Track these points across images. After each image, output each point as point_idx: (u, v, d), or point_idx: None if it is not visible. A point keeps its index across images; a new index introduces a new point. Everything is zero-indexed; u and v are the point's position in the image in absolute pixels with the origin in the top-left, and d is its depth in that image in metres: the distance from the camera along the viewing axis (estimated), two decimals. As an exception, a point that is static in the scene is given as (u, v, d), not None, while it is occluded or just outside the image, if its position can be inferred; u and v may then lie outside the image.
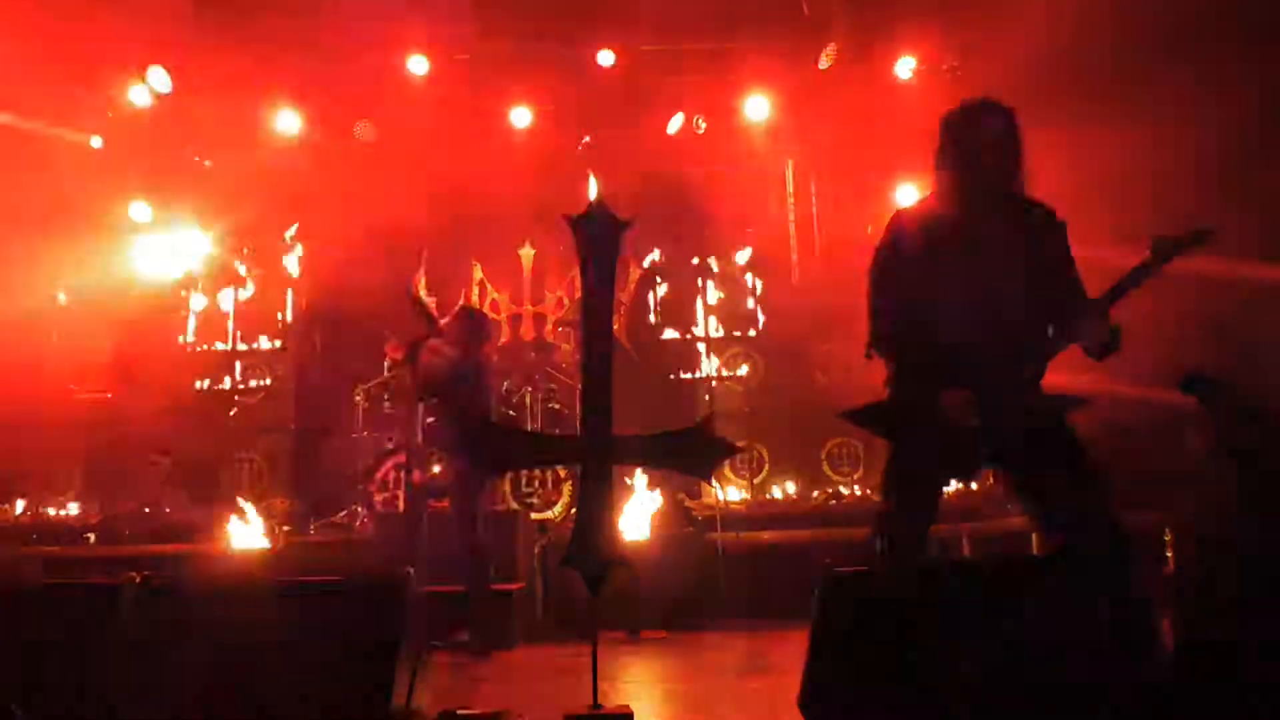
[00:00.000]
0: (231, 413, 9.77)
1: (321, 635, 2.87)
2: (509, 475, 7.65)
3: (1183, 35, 5.92)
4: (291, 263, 10.19)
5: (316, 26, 8.20)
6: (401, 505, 6.51)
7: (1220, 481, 2.68)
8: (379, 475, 8.11)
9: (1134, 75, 6.27)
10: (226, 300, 10.19)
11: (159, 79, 9.10)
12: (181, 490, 9.11)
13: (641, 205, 7.52)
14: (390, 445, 8.35)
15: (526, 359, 8.92)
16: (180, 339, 10.00)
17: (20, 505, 8.82)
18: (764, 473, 9.28)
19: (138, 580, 2.98)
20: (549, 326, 9.62)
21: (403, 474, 6.86)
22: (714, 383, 9.20)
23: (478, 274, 9.88)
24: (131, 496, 8.97)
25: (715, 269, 10.16)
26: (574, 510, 7.04)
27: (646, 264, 9.79)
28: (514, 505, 7.72)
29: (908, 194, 8.62)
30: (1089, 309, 2.88)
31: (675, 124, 9.71)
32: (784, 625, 6.19)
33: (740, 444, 4.23)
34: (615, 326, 8.17)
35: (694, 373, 9.85)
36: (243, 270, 10.16)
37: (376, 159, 9.69)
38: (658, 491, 7.35)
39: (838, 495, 8.63)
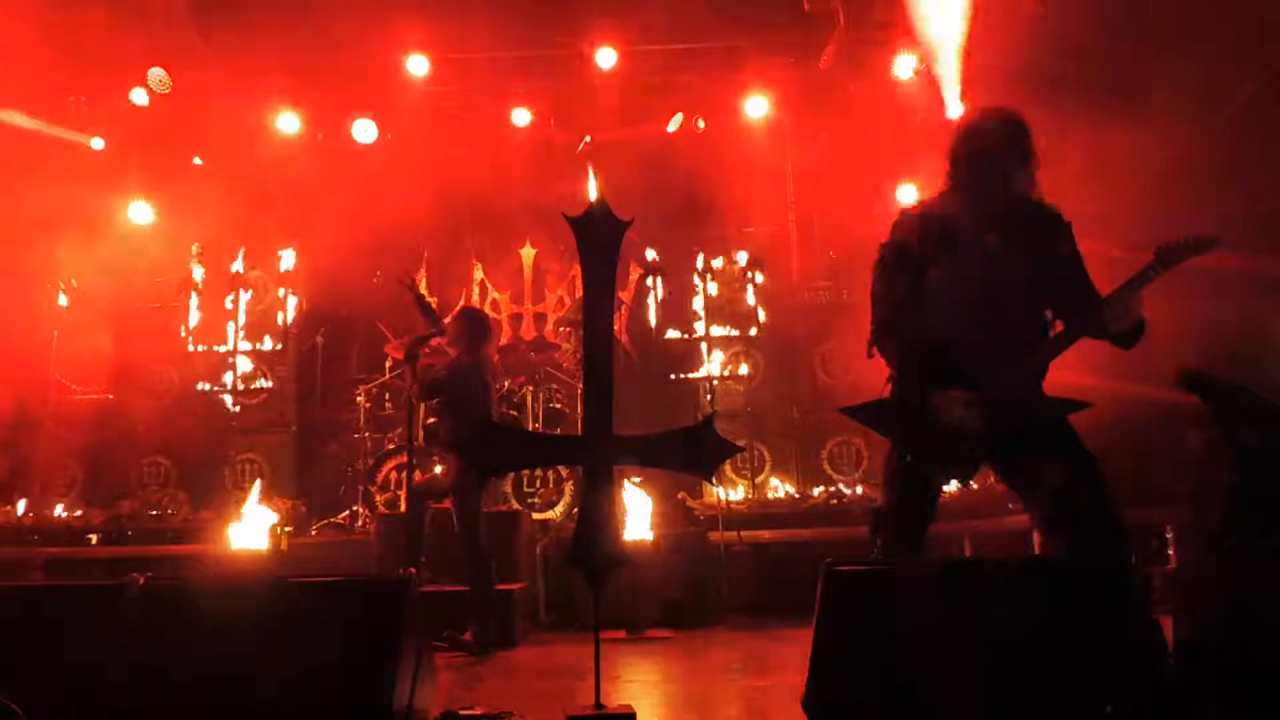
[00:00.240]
0: (231, 412, 9.77)
1: (323, 636, 2.87)
2: (510, 475, 7.66)
3: (1183, 34, 5.92)
4: (292, 263, 10.19)
5: (316, 27, 8.20)
6: (403, 506, 6.51)
7: (1222, 480, 2.68)
8: (380, 476, 8.12)
9: (1136, 72, 6.27)
10: (227, 301, 10.19)
11: (159, 80, 9.11)
12: (183, 491, 9.12)
13: (642, 205, 7.54)
14: (391, 446, 8.36)
15: (527, 359, 8.92)
16: (181, 340, 10.00)
17: (22, 506, 8.82)
18: (765, 472, 9.29)
19: (140, 581, 2.98)
20: (550, 326, 9.63)
21: (404, 474, 6.86)
22: (715, 382, 9.20)
23: (478, 274, 9.89)
24: (133, 498, 8.99)
25: (716, 268, 10.16)
26: (575, 510, 7.09)
27: (647, 263, 9.79)
28: (515, 505, 7.72)
29: (908, 193, 8.63)
30: (1107, 301, 2.89)
31: (675, 123, 9.71)
32: (786, 624, 6.23)
33: (741, 443, 4.22)
34: (616, 326, 8.20)
35: (695, 372, 9.85)
36: (243, 271, 10.16)
37: (377, 159, 9.70)
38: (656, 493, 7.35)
39: (838, 494, 8.63)
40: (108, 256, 9.58)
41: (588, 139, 9.95)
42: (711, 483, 7.77)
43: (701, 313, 10.03)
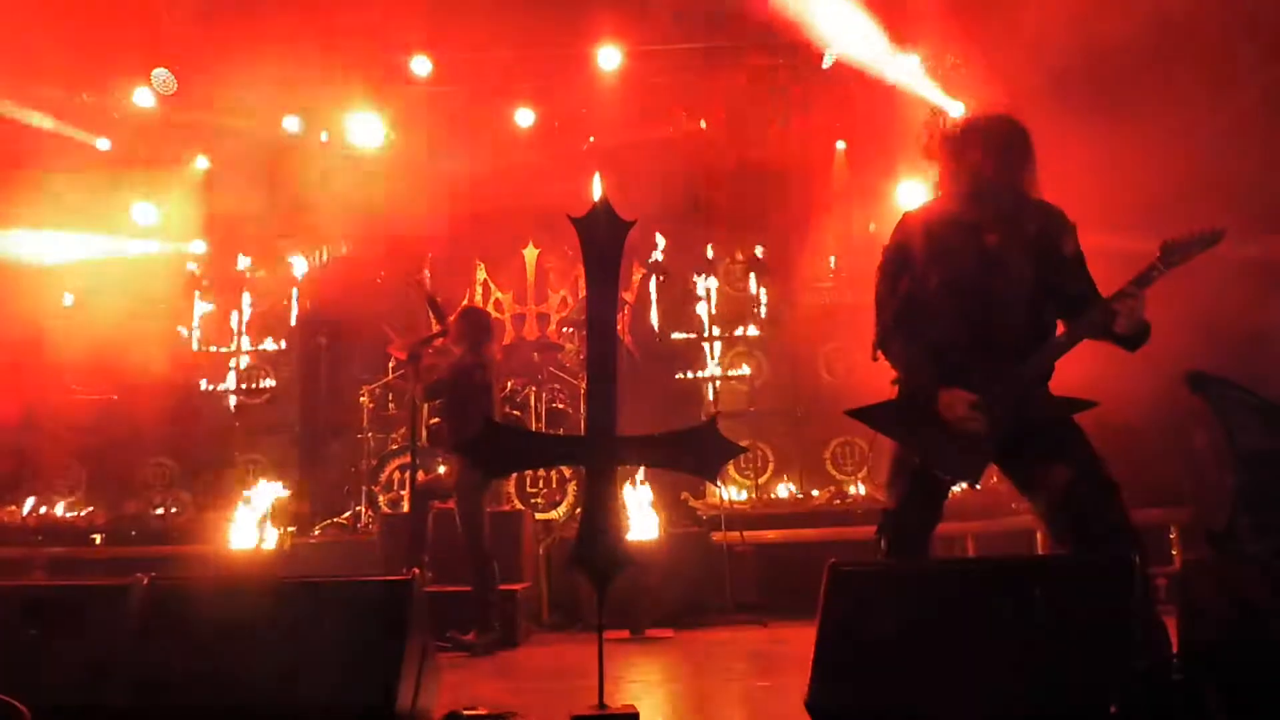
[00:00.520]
0: (235, 412, 9.79)
1: (327, 636, 2.87)
2: (513, 475, 7.66)
3: (1183, 30, 5.90)
4: (296, 264, 10.20)
5: (320, 28, 8.20)
6: (406, 506, 6.51)
7: (1227, 480, 2.68)
8: (383, 476, 8.13)
9: (1139, 69, 6.25)
10: (231, 302, 10.20)
11: (163, 81, 9.12)
12: (186, 491, 9.14)
13: (645, 205, 7.53)
14: (394, 446, 8.37)
15: (530, 359, 8.92)
16: (185, 340, 10.01)
17: (27, 506, 8.84)
18: (768, 472, 9.28)
19: (145, 582, 2.98)
20: (553, 326, 9.63)
21: (407, 475, 6.87)
22: (718, 382, 9.20)
23: (481, 274, 9.89)
24: (137, 498, 9.00)
25: (719, 268, 10.15)
26: (579, 510, 7.09)
27: (650, 263, 9.79)
28: (519, 505, 7.73)
29: (911, 192, 8.61)
30: (1109, 303, 2.88)
31: (678, 123, 9.70)
32: (789, 624, 6.23)
33: (744, 443, 4.22)
34: (619, 326, 8.20)
35: (698, 372, 9.84)
36: (247, 271, 10.17)
37: (381, 159, 9.70)
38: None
39: (842, 494, 8.63)
40: (112, 257, 9.60)
41: (591, 139, 9.95)
42: (714, 483, 7.77)
43: (705, 313, 10.03)
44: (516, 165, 9.49)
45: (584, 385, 6.65)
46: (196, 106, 9.36)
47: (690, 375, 9.85)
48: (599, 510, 3.44)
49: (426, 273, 8.44)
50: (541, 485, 7.93)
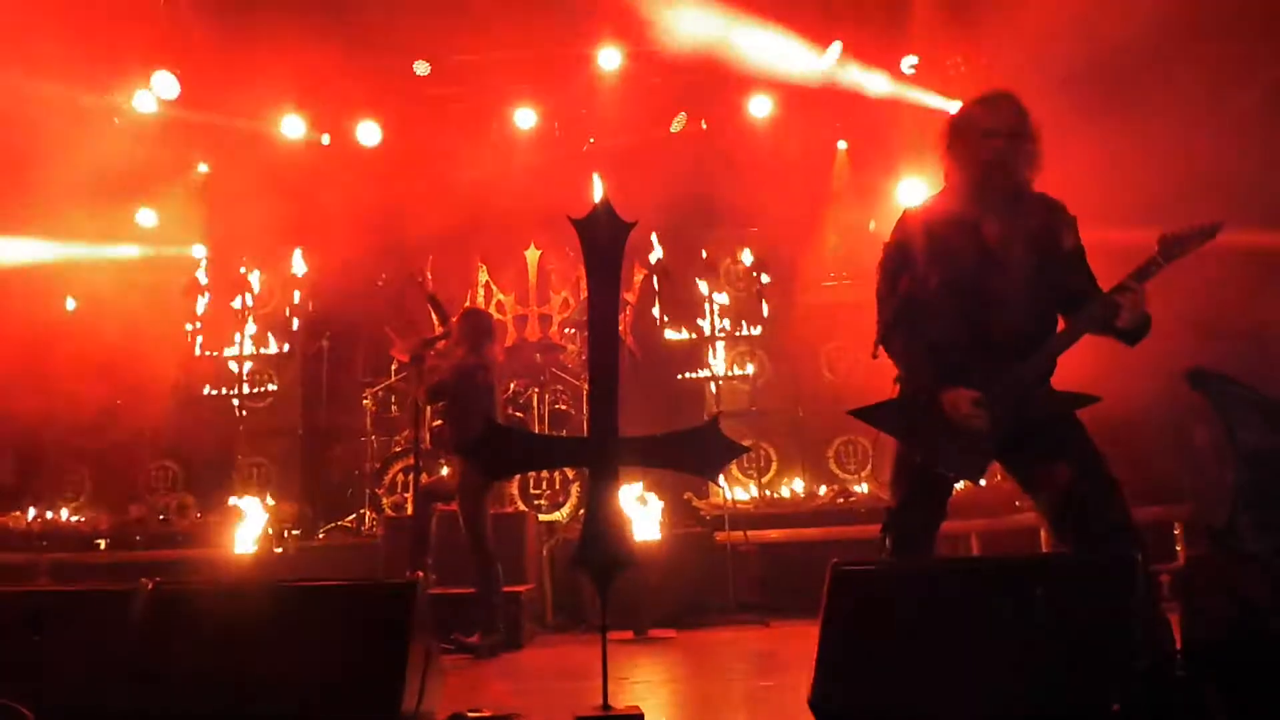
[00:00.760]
0: (238, 416, 9.79)
1: (330, 639, 2.88)
2: (516, 477, 7.66)
3: (1184, 30, 5.90)
4: (298, 266, 10.21)
5: (321, 30, 8.21)
6: (409, 508, 6.52)
7: (1227, 477, 2.67)
8: (386, 478, 8.14)
9: (1141, 68, 6.25)
10: (234, 304, 10.20)
11: (164, 84, 9.13)
12: (190, 495, 9.14)
13: (646, 205, 7.53)
14: (398, 448, 8.37)
15: (532, 360, 8.92)
16: (188, 344, 10.02)
17: (31, 511, 8.86)
18: (771, 472, 9.29)
19: (149, 586, 2.99)
20: (554, 327, 9.63)
21: (410, 477, 6.88)
22: (720, 382, 9.19)
23: (483, 276, 9.89)
24: (141, 502, 9.01)
25: (721, 268, 10.15)
26: (581, 511, 7.09)
27: (651, 264, 9.79)
28: (522, 507, 7.73)
29: (912, 189, 8.61)
30: (1109, 297, 2.87)
31: (679, 123, 9.71)
32: (793, 624, 6.23)
33: (747, 443, 4.22)
34: (621, 327, 8.20)
35: (700, 372, 9.84)
36: (249, 274, 10.18)
37: (382, 161, 9.71)
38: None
39: (845, 493, 8.63)
40: (115, 260, 9.62)
41: (592, 140, 9.95)
42: (717, 483, 7.77)
43: (707, 313, 10.03)
44: (517, 167, 9.51)
45: (586, 386, 6.66)
46: (198, 109, 9.38)
47: (692, 375, 9.85)
48: (602, 511, 3.44)
49: (428, 274, 8.44)
50: (545, 487, 7.94)
